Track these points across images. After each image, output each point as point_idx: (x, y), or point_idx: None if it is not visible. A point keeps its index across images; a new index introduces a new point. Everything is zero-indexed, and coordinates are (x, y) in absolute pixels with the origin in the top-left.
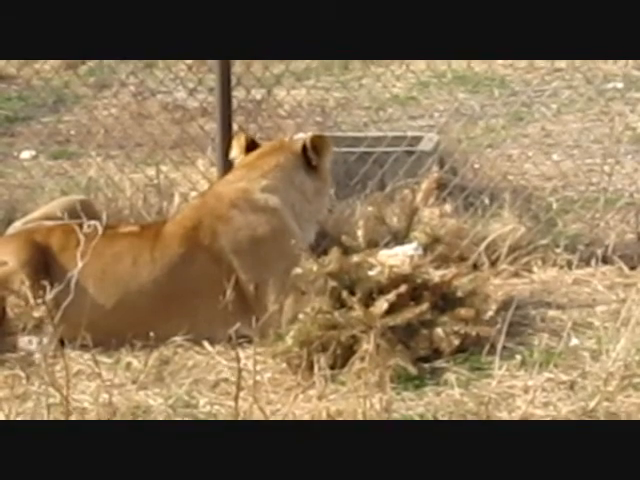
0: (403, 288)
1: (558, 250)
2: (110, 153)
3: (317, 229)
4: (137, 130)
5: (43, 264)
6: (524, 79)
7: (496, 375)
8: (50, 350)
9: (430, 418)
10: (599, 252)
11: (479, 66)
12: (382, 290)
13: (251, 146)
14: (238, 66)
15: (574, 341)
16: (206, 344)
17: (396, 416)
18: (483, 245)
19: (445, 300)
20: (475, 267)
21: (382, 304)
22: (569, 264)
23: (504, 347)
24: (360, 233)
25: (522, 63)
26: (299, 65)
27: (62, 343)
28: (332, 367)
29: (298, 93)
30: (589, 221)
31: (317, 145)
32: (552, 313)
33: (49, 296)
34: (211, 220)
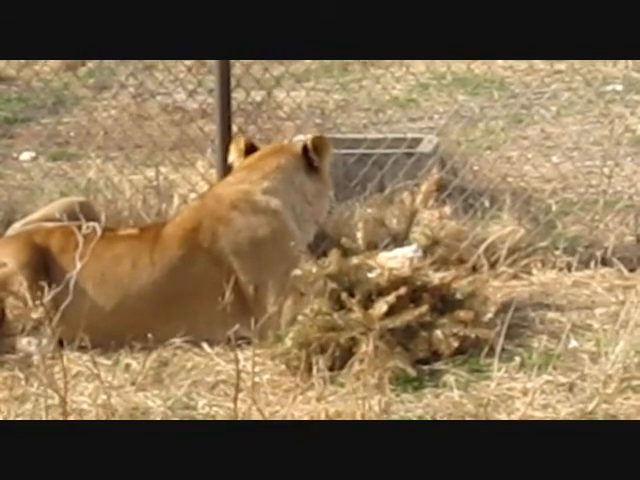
0: (402, 290)
1: (557, 252)
2: (110, 154)
3: (316, 230)
4: (136, 131)
5: (42, 266)
6: (524, 81)
7: (495, 377)
8: (49, 351)
9: (429, 420)
10: (598, 254)
11: (479, 68)
12: (381, 292)
13: (250, 149)
14: (238, 68)
15: (573, 343)
16: (205, 346)
17: (395, 418)
18: (482, 247)
19: (444, 302)
20: (474, 269)
21: (381, 306)
22: (568, 266)
23: (503, 349)
24: (359, 235)
25: (522, 65)
26: (299, 67)
27: (61, 344)
28: (331, 369)
29: (298, 95)
30: (588, 223)
31: (318, 146)
32: (551, 315)
33: (47, 297)
34: (211, 222)
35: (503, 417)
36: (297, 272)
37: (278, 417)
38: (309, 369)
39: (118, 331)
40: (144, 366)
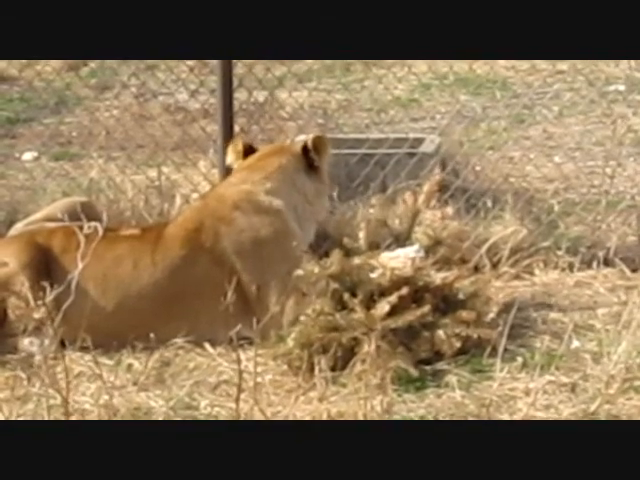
0: (404, 290)
1: (560, 252)
2: (112, 155)
3: (316, 230)
4: (139, 132)
5: (44, 266)
6: (526, 81)
7: (497, 377)
8: (51, 352)
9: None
10: (601, 254)
11: (481, 68)
12: (383, 292)
13: (248, 151)
14: (240, 68)
15: (575, 343)
16: (207, 346)
17: (397, 418)
18: (485, 247)
19: (446, 302)
20: (476, 269)
21: (383, 306)
22: (571, 266)
23: (505, 349)
24: (362, 235)
25: (524, 65)
26: (301, 67)
27: (63, 345)
28: (333, 369)
29: (300, 95)
30: (591, 223)
31: (318, 146)
32: (553, 315)
33: (49, 298)
34: (213, 222)
35: (505, 417)
36: (299, 272)
37: (280, 417)
38: (311, 369)
39: (120, 331)
40: (146, 366)
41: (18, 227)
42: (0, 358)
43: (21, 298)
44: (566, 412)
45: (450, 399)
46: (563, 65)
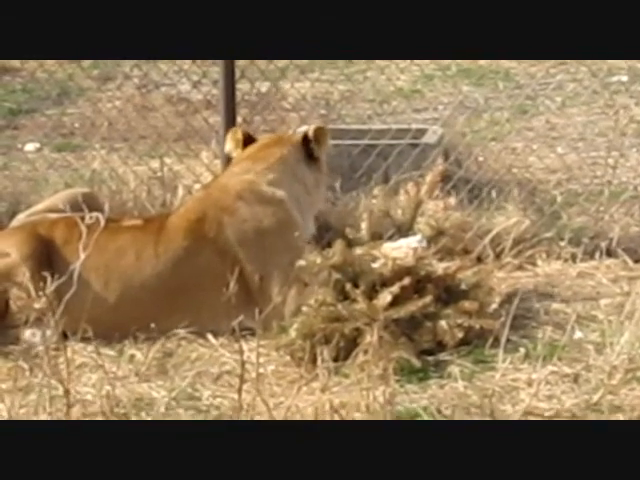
0: (407, 280)
1: (562, 243)
2: (114, 146)
3: (315, 220)
4: (141, 123)
5: (46, 257)
6: (529, 72)
7: (500, 368)
8: (53, 343)
9: (434, 411)
10: (603, 245)
11: (483, 59)
12: (385, 282)
13: (247, 140)
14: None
15: (578, 334)
16: (209, 336)
17: (399, 409)
18: (487, 238)
19: (449, 293)
20: (479, 260)
21: (386, 296)
22: (573, 257)
23: (508, 340)
24: (364, 226)
25: None
26: None
27: (65, 336)
28: (335, 359)
29: (302, 86)
30: (593, 214)
31: (319, 136)
32: (556, 306)
33: (50, 288)
34: (216, 212)
35: (508, 408)
36: (301, 263)
37: (282, 408)
38: (313, 360)
39: (122, 323)
40: (148, 357)
41: (20, 218)
42: (2, 349)
43: (23, 289)
44: (568, 403)
45: (453, 390)
46: None
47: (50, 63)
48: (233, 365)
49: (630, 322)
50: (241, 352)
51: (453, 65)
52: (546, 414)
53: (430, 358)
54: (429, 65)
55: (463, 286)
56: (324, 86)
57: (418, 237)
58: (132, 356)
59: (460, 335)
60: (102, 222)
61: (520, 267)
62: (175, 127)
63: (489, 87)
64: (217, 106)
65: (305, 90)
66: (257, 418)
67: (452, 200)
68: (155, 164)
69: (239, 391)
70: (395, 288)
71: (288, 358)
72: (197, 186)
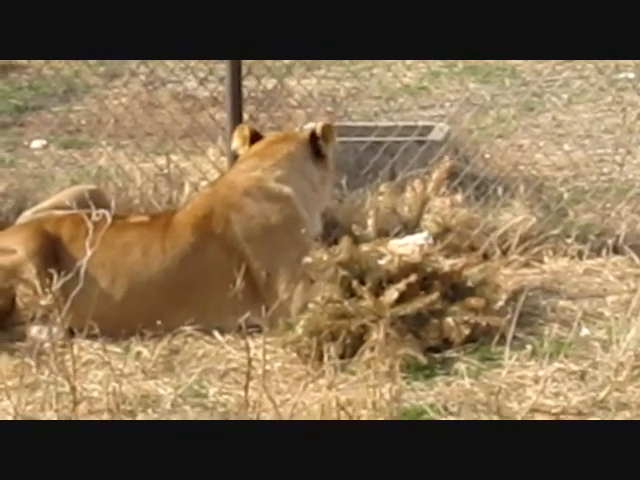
0: (413, 277)
1: (569, 240)
2: (120, 142)
3: (321, 217)
4: (147, 119)
5: (52, 254)
6: (535, 69)
7: (506, 365)
8: (59, 339)
9: (440, 408)
10: (610, 242)
11: (490, 59)
12: (392, 279)
13: (254, 137)
14: None
15: (585, 331)
16: (216, 333)
17: (406, 406)
18: (494, 235)
19: (455, 290)
20: (486, 257)
21: (392, 293)
22: (580, 254)
23: (514, 337)
24: (370, 222)
25: None
26: None
27: (72, 333)
28: (342, 356)
29: (309, 83)
30: (600, 211)
31: (326, 134)
32: (563, 303)
33: (57, 285)
34: (223, 208)
35: (514, 405)
36: (308, 260)
37: (289, 405)
38: (320, 357)
39: (128, 320)
40: (155, 354)
41: (27, 215)
42: (9, 346)
43: (29, 286)
44: (575, 400)
45: (459, 387)
46: None
47: (56, 60)
48: (240, 362)
49: (637, 319)
50: (247, 349)
51: (459, 62)
52: (553, 411)
53: (436, 355)
54: (435, 62)
55: (469, 283)
56: (330, 83)
57: (424, 234)
58: (138, 353)
59: (466, 332)
60: (109, 219)
61: (527, 264)
62: (182, 124)
63: (495, 84)
64: (223, 103)
65: (311, 87)
66: (263, 415)
67: (458, 197)
68: (162, 161)
69: (245, 388)
70: (401, 285)
71: (294, 355)
72: (204, 183)
